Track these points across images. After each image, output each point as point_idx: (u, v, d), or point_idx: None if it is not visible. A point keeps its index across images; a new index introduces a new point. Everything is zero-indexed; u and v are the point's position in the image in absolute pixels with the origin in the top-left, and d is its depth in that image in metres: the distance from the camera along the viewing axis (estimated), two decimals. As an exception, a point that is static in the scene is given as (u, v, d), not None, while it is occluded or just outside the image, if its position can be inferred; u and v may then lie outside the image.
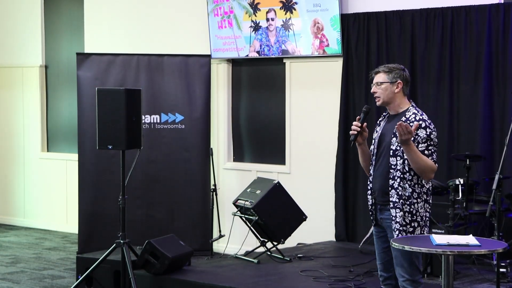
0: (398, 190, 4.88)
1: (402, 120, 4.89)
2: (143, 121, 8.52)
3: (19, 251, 9.59)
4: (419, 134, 4.85)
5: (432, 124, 4.93)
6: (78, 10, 10.74)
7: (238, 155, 9.50)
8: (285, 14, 8.75)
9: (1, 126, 11.61)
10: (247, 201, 7.58)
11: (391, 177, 4.91)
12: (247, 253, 7.71)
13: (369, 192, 5.11)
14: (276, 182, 7.74)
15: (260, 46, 8.99)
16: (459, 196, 7.02)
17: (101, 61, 8.93)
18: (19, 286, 7.81)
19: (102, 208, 8.75)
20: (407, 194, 4.88)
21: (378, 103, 5.11)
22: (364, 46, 8.32)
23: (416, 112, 4.97)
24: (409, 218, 4.86)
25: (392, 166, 4.92)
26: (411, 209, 4.87)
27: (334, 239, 8.51)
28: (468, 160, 7.10)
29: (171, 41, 9.77)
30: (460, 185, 7.03)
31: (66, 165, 10.80)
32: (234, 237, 8.23)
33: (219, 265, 7.42)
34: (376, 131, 5.15)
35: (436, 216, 6.98)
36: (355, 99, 8.44)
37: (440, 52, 7.87)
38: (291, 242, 8.05)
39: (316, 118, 8.80)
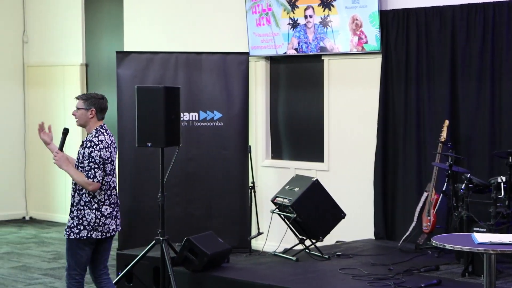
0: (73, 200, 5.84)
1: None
2: (181, 118, 8.56)
3: (60, 247, 9.70)
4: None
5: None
6: (118, 9, 10.83)
7: (277, 153, 9.49)
8: (323, 11, 8.72)
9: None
10: (286, 198, 7.57)
11: (74, 190, 5.88)
12: (285, 251, 7.70)
13: None
14: (314, 179, 7.72)
15: (298, 43, 8.97)
16: (501, 194, 6.94)
17: (140, 59, 8.99)
18: (61, 282, 7.90)
19: (142, 205, 8.81)
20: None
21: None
22: (403, 42, 8.26)
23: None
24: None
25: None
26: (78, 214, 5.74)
27: (373, 237, 8.46)
28: (510, 157, 7.01)
29: (209, 39, 9.79)
30: (502, 183, 6.94)
31: (106, 163, 10.88)
32: (272, 235, 8.23)
33: (258, 262, 7.43)
34: None
35: (478, 214, 6.91)
36: (394, 96, 8.38)
37: (481, 48, 7.77)
38: (329, 240, 8.02)
39: (355, 115, 8.76)
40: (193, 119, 8.92)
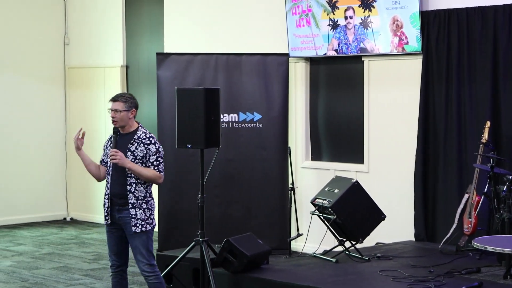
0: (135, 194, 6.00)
1: (137, 137, 6.07)
2: (221, 120, 8.58)
3: (101, 248, 9.78)
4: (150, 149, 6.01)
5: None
6: (158, 11, 10.90)
7: (316, 154, 9.47)
8: (364, 12, 8.68)
9: (84, 125, 11.79)
10: (325, 200, 7.55)
11: (129, 183, 5.98)
12: (325, 252, 7.68)
13: (107, 194, 6.08)
14: (354, 181, 7.68)
15: (338, 44, 8.94)
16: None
17: (180, 61, 9.03)
18: (101, 283, 7.96)
19: (181, 206, 8.85)
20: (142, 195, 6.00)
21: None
22: (444, 43, 8.19)
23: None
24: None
25: (128, 174, 5.99)
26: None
27: (413, 239, 8.40)
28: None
29: (249, 40, 9.81)
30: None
31: (146, 164, 10.95)
32: (312, 236, 8.20)
33: (297, 263, 7.42)
34: (107, 148, 6.25)
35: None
36: (435, 97, 8.31)
37: (523, 48, 7.68)
38: (369, 241, 7.98)
39: (395, 116, 8.70)
40: (233, 120, 8.93)
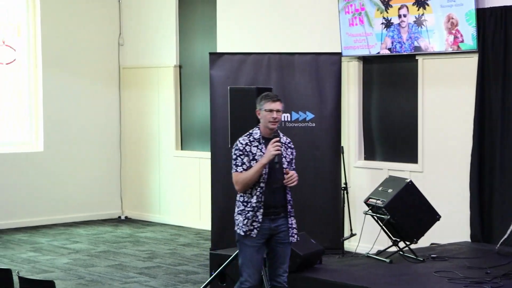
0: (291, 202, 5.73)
1: (281, 142, 5.64)
2: (274, 119, 8.56)
3: (155, 246, 9.87)
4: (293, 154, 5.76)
5: None
6: (211, 11, 10.95)
7: (369, 154, 9.41)
8: (418, 10, 8.59)
9: (138, 125, 11.99)
10: (379, 200, 7.49)
11: (287, 192, 5.69)
12: (379, 252, 7.62)
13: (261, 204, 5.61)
14: (408, 181, 7.61)
15: (392, 43, 8.86)
16: None
17: (233, 61, 9.05)
18: (156, 281, 8.03)
19: (234, 206, 8.84)
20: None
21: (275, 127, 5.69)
22: (501, 41, 8.06)
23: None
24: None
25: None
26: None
27: (469, 240, 8.29)
28: None
29: (301, 39, 9.79)
30: None
31: (199, 163, 11.03)
32: (365, 236, 8.15)
33: (351, 263, 7.38)
34: (256, 154, 5.65)
35: None
36: (491, 96, 8.19)
37: None
38: (424, 242, 7.90)
39: (450, 116, 8.60)
40: (286, 119, 8.92)
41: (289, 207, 5.75)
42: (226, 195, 8.93)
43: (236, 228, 5.76)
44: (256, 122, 6.81)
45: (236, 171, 5.66)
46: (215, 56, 9.13)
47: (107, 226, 11.37)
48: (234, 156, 5.70)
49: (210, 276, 7.35)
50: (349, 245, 8.86)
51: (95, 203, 11.93)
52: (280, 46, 9.79)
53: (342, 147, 8.90)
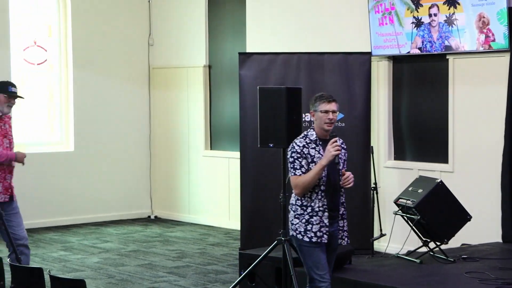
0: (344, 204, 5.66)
1: (338, 144, 5.50)
2: (303, 119, 8.55)
3: (184, 246, 9.90)
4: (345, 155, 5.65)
5: None
6: (240, 11, 10.96)
7: (399, 154, 9.36)
8: (449, 9, 8.53)
9: (167, 124, 12.04)
10: (409, 200, 7.45)
11: (342, 194, 5.61)
12: (409, 253, 7.58)
13: (326, 208, 5.51)
14: (438, 181, 7.56)
15: (422, 42, 8.81)
16: None
17: (262, 60, 9.05)
18: (185, 280, 8.05)
19: (263, 205, 8.87)
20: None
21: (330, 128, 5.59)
22: (532, 40, 7.98)
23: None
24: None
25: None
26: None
27: (500, 240, 8.21)
28: None
29: (331, 39, 9.76)
30: None
31: (229, 163, 11.04)
32: (395, 236, 8.12)
33: (381, 264, 7.34)
34: (314, 156, 5.51)
35: None
36: (523, 96, 8.11)
37: None
38: (454, 242, 7.84)
39: (481, 115, 8.52)
40: (315, 119, 8.89)
41: (343, 209, 5.66)
42: (255, 195, 8.95)
43: (296, 233, 5.57)
44: (285, 122, 6.82)
45: (295, 174, 5.50)
46: (245, 56, 9.14)
47: (137, 226, 11.43)
48: (291, 159, 5.52)
49: (240, 276, 7.36)
50: (379, 245, 8.82)
51: (125, 203, 11.99)
52: (309, 46, 9.78)
53: (372, 147, 8.87)
